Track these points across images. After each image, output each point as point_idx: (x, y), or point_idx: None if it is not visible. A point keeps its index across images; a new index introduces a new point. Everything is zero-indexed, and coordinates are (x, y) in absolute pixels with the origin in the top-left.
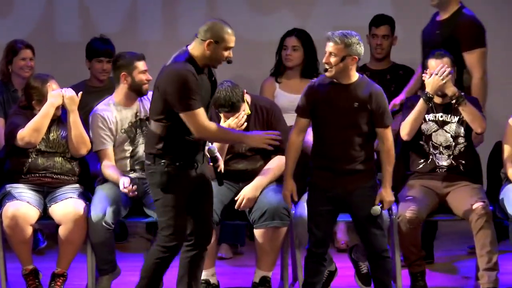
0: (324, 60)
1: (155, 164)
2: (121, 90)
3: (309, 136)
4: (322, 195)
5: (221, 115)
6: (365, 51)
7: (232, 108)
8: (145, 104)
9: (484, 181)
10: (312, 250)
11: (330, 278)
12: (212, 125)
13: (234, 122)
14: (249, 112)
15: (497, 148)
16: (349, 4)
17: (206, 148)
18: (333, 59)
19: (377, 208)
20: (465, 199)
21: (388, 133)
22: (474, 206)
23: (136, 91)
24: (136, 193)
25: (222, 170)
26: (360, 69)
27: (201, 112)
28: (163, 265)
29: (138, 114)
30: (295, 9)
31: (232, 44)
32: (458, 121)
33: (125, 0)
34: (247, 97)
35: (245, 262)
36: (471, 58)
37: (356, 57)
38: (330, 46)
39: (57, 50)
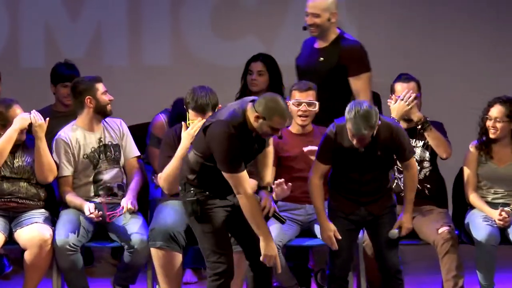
0: None
1: (186, 192)
2: (86, 114)
3: None
4: (344, 217)
5: (189, 111)
6: None
7: (202, 110)
8: (110, 130)
9: (449, 205)
10: (334, 274)
11: None
12: (249, 190)
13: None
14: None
15: (462, 173)
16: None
17: None
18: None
19: (395, 232)
20: (431, 223)
21: (412, 162)
22: (440, 231)
23: (101, 113)
24: (100, 218)
25: (275, 211)
26: None
27: (240, 175)
28: None
29: (102, 139)
30: (260, 34)
31: (279, 126)
32: (423, 146)
33: (89, 26)
34: None
35: None
36: (358, 83)
37: None
38: None
39: (22, 75)
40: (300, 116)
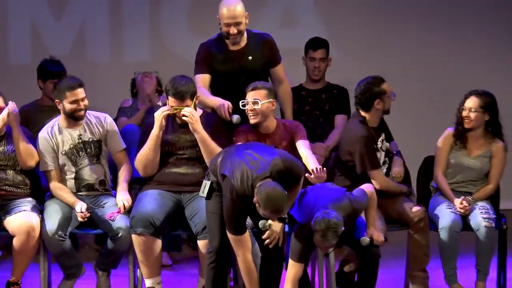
0: None
1: (208, 176)
2: (62, 114)
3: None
4: None
5: (169, 98)
6: (301, 72)
7: (181, 97)
8: (92, 126)
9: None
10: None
11: None
12: (247, 254)
13: (188, 111)
14: (193, 111)
15: (426, 163)
16: (286, 27)
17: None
18: None
19: (366, 240)
20: (403, 204)
21: (373, 196)
22: (414, 209)
23: (71, 117)
24: (86, 219)
25: (272, 245)
26: (295, 89)
27: (240, 238)
28: (218, 268)
29: (81, 136)
30: None
31: (271, 217)
32: (385, 139)
33: (73, 25)
34: (199, 110)
35: (189, 270)
36: (281, 70)
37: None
38: None
39: (9, 71)
40: (249, 115)
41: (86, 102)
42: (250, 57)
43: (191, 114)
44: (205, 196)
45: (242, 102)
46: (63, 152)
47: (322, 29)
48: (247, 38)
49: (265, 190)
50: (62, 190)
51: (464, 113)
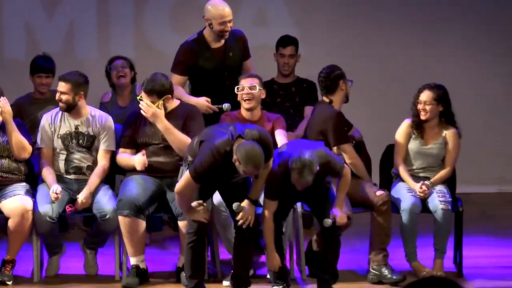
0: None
1: (187, 165)
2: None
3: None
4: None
5: (143, 93)
6: (272, 67)
7: (149, 93)
8: (92, 122)
9: (376, 179)
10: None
11: None
12: (184, 190)
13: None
14: (147, 106)
15: (388, 151)
16: (258, 25)
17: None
18: None
19: (328, 222)
20: (367, 188)
21: (345, 172)
22: (378, 193)
23: (64, 109)
24: (55, 201)
25: (245, 225)
26: (268, 83)
27: (192, 182)
28: (197, 248)
29: (79, 127)
30: None
31: (250, 174)
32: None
33: (64, 23)
34: (175, 102)
35: (171, 249)
36: (249, 64)
37: None
38: None
39: (5, 65)
40: (244, 100)
41: (63, 96)
42: (230, 54)
43: (146, 108)
44: None
45: (238, 87)
46: (58, 136)
47: (292, 27)
48: None
49: (245, 148)
50: (47, 170)
51: (420, 106)
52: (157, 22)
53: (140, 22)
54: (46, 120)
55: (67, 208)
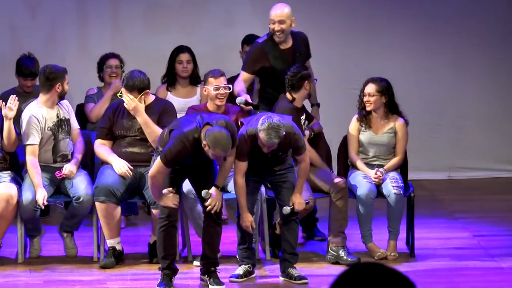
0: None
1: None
2: (50, 96)
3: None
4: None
5: (123, 88)
6: (239, 63)
7: (129, 89)
8: (62, 107)
9: (334, 167)
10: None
11: None
12: (156, 175)
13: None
14: (129, 100)
15: (344, 141)
16: (226, 26)
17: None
18: None
19: (287, 209)
20: (326, 176)
21: (305, 157)
22: (336, 180)
23: (61, 97)
24: (43, 207)
25: (213, 211)
26: (235, 78)
27: (163, 167)
28: (168, 232)
29: (58, 115)
30: (182, 29)
31: (219, 156)
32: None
33: (46, 24)
34: (151, 97)
35: (144, 232)
36: (309, 63)
37: None
38: None
39: None
40: (218, 98)
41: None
42: (297, 54)
43: (129, 102)
44: None
45: (214, 86)
46: (48, 128)
47: (257, 28)
48: (292, 38)
49: (213, 133)
50: (34, 169)
51: (365, 98)
52: (132, 21)
53: (116, 22)
54: (35, 117)
55: (57, 174)
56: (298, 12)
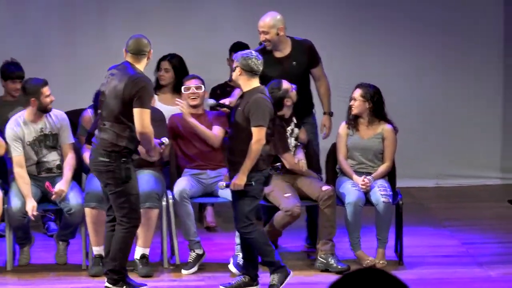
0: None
1: (115, 160)
2: (31, 110)
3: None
4: None
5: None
6: (226, 71)
7: None
8: (51, 121)
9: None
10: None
11: (198, 259)
12: (147, 127)
13: None
14: None
15: (333, 149)
16: (212, 34)
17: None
18: None
19: (222, 185)
20: (314, 183)
21: (255, 135)
22: (324, 188)
23: (43, 110)
24: (33, 218)
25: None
26: (222, 85)
27: (147, 111)
28: (133, 233)
29: (43, 129)
30: (169, 37)
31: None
32: (293, 131)
33: (31, 30)
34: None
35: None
36: (320, 70)
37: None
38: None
39: None
40: (190, 98)
41: (52, 97)
42: (294, 63)
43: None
44: (127, 180)
45: (185, 86)
46: (27, 143)
47: (243, 34)
48: (291, 46)
49: (130, 39)
50: (22, 179)
51: (351, 102)
52: (118, 26)
53: (102, 29)
54: (12, 131)
55: (47, 185)
56: (286, 19)
